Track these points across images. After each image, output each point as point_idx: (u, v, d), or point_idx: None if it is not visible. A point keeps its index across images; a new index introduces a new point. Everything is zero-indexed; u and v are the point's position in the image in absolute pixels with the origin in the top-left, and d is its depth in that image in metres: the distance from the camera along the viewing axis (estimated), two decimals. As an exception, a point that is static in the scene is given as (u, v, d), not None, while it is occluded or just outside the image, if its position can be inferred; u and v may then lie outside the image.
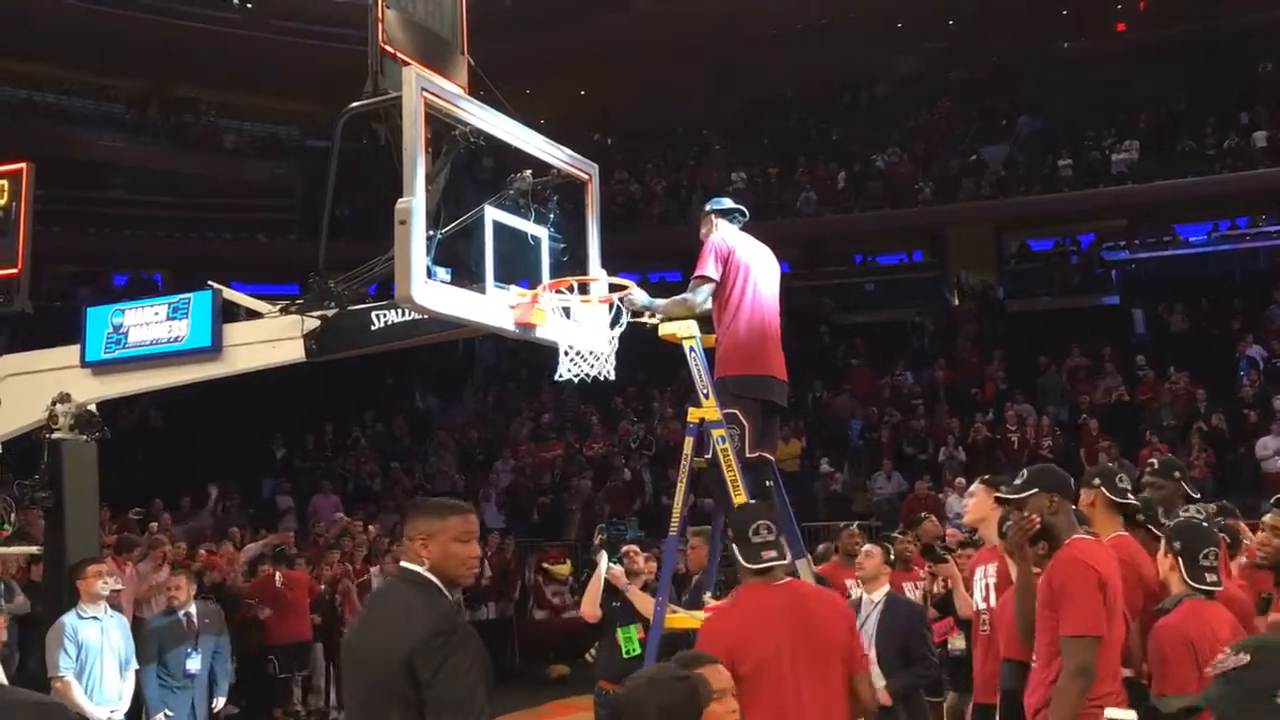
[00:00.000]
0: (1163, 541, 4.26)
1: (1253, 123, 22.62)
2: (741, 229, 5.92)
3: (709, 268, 5.57)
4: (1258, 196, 22.98)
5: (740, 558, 4.15)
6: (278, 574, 11.34)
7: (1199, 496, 5.26)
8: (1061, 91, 25.56)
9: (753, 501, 5.02)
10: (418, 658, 3.11)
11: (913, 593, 7.25)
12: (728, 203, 6.06)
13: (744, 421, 5.39)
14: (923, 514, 9.49)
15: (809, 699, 3.98)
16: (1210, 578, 4.13)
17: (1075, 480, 4.52)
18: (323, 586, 11.98)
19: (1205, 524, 4.46)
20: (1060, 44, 26.50)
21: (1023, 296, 23.57)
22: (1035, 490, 4.23)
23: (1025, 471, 4.37)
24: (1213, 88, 24.10)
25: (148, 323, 6.67)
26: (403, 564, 3.40)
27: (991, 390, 19.25)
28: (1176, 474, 5.31)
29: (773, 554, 4.13)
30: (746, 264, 5.62)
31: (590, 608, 6.70)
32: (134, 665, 7.28)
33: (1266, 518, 4.00)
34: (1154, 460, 5.66)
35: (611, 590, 6.66)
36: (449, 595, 3.36)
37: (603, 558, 6.76)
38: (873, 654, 5.77)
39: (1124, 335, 20.46)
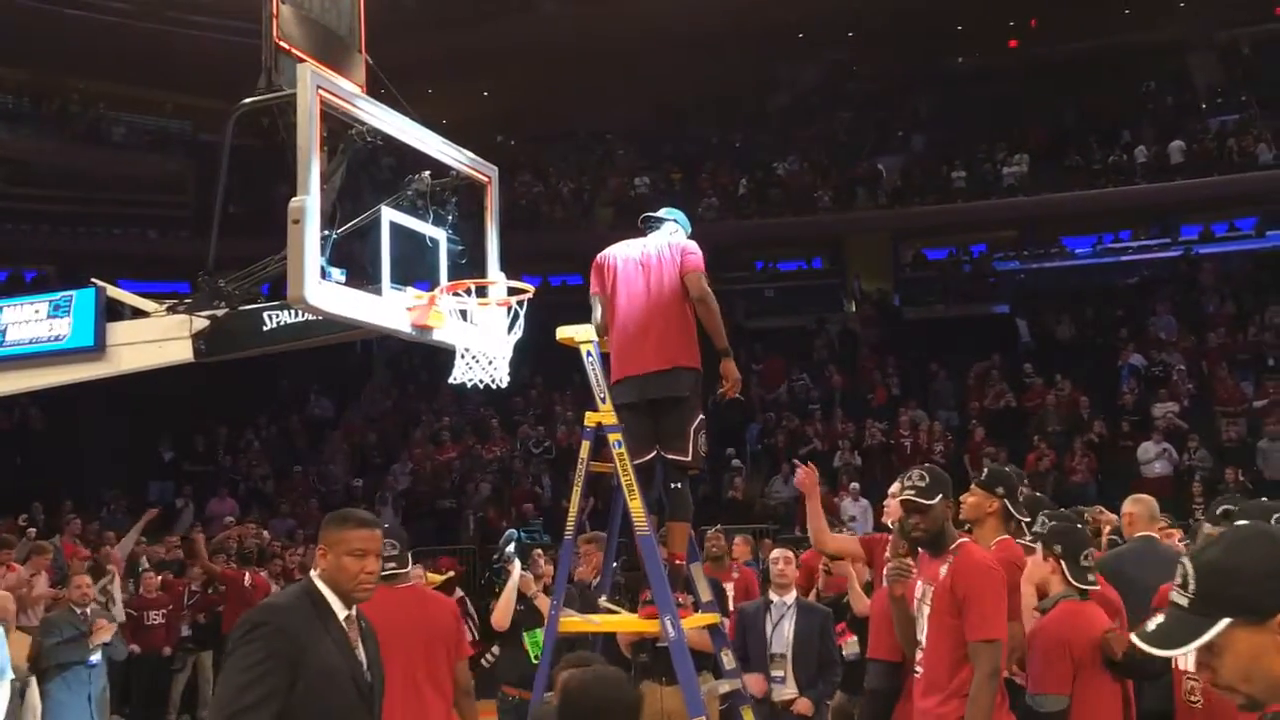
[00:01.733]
0: (1039, 546, 4.38)
1: (1136, 139, 23.49)
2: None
3: (592, 284, 5.58)
4: (1140, 211, 23.88)
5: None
6: (247, 574, 11.55)
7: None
8: (955, 105, 26.23)
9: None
10: (227, 645, 3.19)
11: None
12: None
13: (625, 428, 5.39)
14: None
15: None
16: (1090, 577, 4.28)
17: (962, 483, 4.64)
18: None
19: (1079, 526, 4.62)
20: (954, 59, 27.17)
21: (917, 304, 24.09)
22: (941, 497, 4.20)
23: (927, 475, 4.25)
24: (1099, 104, 24.96)
25: (27, 320, 6.43)
26: (311, 569, 3.46)
27: (885, 396, 19.64)
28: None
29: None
30: (614, 267, 5.51)
31: (504, 618, 6.60)
32: (8, 675, 7.02)
33: (1206, 528, 4.20)
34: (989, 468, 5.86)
35: (519, 595, 6.62)
36: (339, 608, 3.27)
37: (516, 566, 6.69)
38: (789, 661, 5.86)
39: (1012, 343, 21.05)
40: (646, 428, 5.38)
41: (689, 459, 5.35)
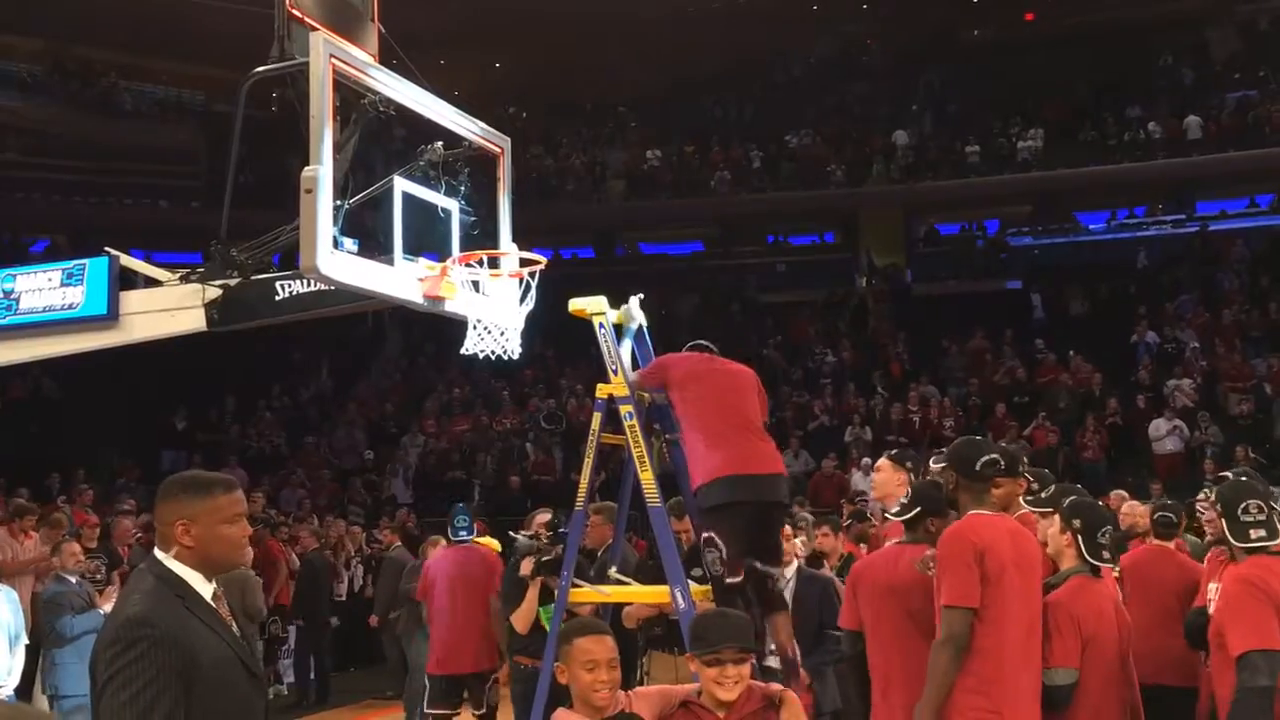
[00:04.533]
0: (1058, 519, 4.37)
1: (1152, 114, 23.30)
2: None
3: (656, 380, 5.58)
4: (1155, 186, 23.73)
5: None
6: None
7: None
8: (970, 78, 26.03)
9: None
10: (98, 662, 2.76)
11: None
12: None
13: None
14: None
15: None
16: (1105, 554, 4.29)
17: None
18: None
19: (1099, 504, 4.62)
20: (970, 31, 26.95)
21: (929, 279, 24.01)
22: (945, 465, 4.29)
23: (946, 451, 4.38)
24: (1116, 79, 24.76)
25: (40, 289, 6.44)
26: (155, 551, 2.96)
27: (897, 371, 19.61)
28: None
29: None
30: (701, 368, 5.50)
31: (525, 624, 6.36)
32: (24, 640, 7.08)
33: (1211, 496, 4.19)
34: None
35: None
36: (203, 586, 2.92)
37: (529, 565, 6.50)
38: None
39: (1024, 319, 20.98)
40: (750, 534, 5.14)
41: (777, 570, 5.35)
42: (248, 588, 10.40)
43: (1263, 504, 3.97)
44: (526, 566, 6.21)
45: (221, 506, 2.94)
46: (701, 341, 5.71)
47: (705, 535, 5.08)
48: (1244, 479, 4.32)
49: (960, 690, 3.93)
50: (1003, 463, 4.30)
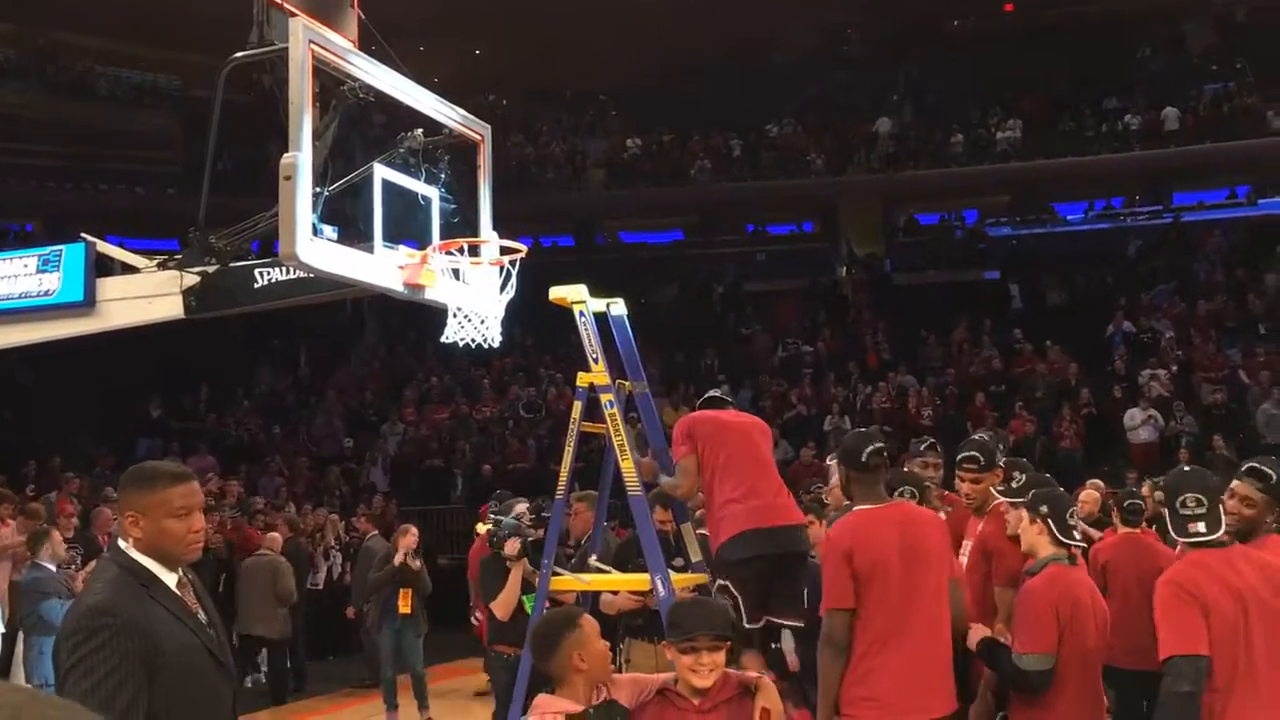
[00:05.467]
0: (1025, 510, 4.40)
1: (1129, 106, 23.42)
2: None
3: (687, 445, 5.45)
4: (1132, 177, 23.86)
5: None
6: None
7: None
8: (950, 69, 26.08)
9: None
10: (60, 650, 2.76)
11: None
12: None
13: None
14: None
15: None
16: (1076, 535, 4.35)
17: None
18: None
19: (1059, 487, 4.68)
20: (950, 22, 27.00)
21: (908, 269, 24.09)
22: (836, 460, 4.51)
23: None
24: (1094, 70, 24.86)
25: (16, 275, 6.39)
26: (118, 541, 2.98)
27: (875, 360, 19.68)
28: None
29: None
30: (721, 425, 5.42)
31: (507, 611, 6.37)
32: (0, 628, 7.05)
33: (1235, 484, 4.09)
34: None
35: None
36: (166, 575, 2.89)
37: (514, 545, 6.50)
38: None
39: (1002, 309, 21.08)
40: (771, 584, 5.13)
41: (801, 622, 5.15)
42: (279, 573, 10.61)
43: (1203, 496, 3.80)
44: (513, 546, 6.23)
45: (167, 499, 2.89)
46: (715, 395, 5.69)
47: (720, 584, 5.08)
48: (1190, 469, 4.24)
49: (845, 683, 4.13)
50: (887, 451, 4.39)
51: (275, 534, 11.72)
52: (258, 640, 11.08)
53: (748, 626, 4.94)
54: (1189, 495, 3.83)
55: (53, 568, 7.64)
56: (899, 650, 4.10)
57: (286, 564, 10.88)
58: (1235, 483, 4.07)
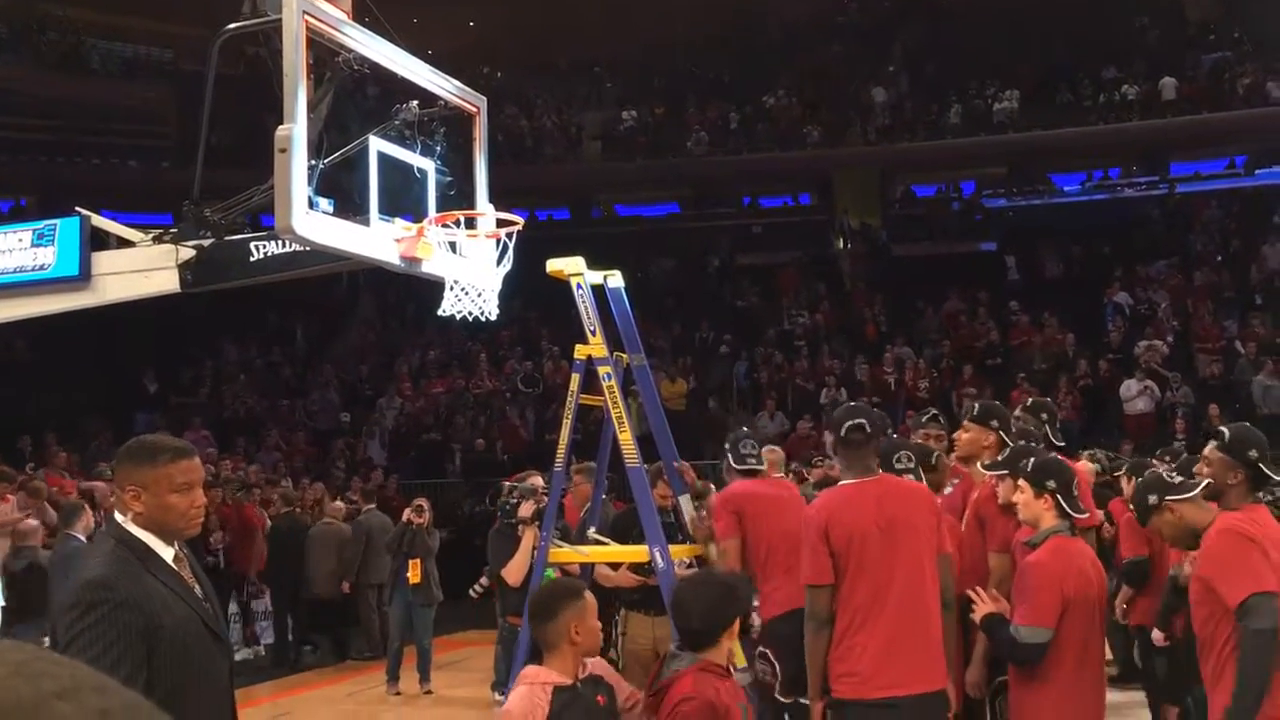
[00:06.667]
0: (1027, 485, 4.38)
1: (1126, 76, 23.32)
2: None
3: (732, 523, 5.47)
4: (1130, 148, 23.79)
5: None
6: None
7: (1063, 444, 5.46)
8: (946, 39, 25.94)
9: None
10: (58, 626, 2.77)
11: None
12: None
13: None
14: None
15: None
16: (1082, 505, 4.37)
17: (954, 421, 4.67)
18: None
19: (1059, 459, 4.67)
20: (948, -9, 26.83)
21: (905, 241, 24.03)
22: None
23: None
24: (1092, 41, 24.72)
25: (10, 250, 6.35)
26: (115, 514, 2.96)
27: (873, 332, 19.67)
28: (1044, 415, 5.53)
29: None
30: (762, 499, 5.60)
31: (519, 576, 6.49)
32: (-1, 603, 7.07)
33: (1207, 451, 4.14)
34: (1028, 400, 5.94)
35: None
36: (164, 549, 2.89)
37: (531, 530, 6.52)
38: None
39: (999, 281, 21.06)
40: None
41: None
42: (344, 541, 11.82)
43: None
44: (528, 509, 6.28)
45: (170, 474, 2.88)
46: (748, 459, 5.62)
47: (760, 651, 5.10)
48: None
49: (830, 659, 4.18)
50: (868, 427, 4.35)
51: (339, 503, 12.78)
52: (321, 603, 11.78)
53: (779, 698, 5.01)
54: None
55: (85, 539, 7.74)
56: (879, 625, 4.12)
57: (349, 530, 11.85)
58: (1207, 449, 4.13)
